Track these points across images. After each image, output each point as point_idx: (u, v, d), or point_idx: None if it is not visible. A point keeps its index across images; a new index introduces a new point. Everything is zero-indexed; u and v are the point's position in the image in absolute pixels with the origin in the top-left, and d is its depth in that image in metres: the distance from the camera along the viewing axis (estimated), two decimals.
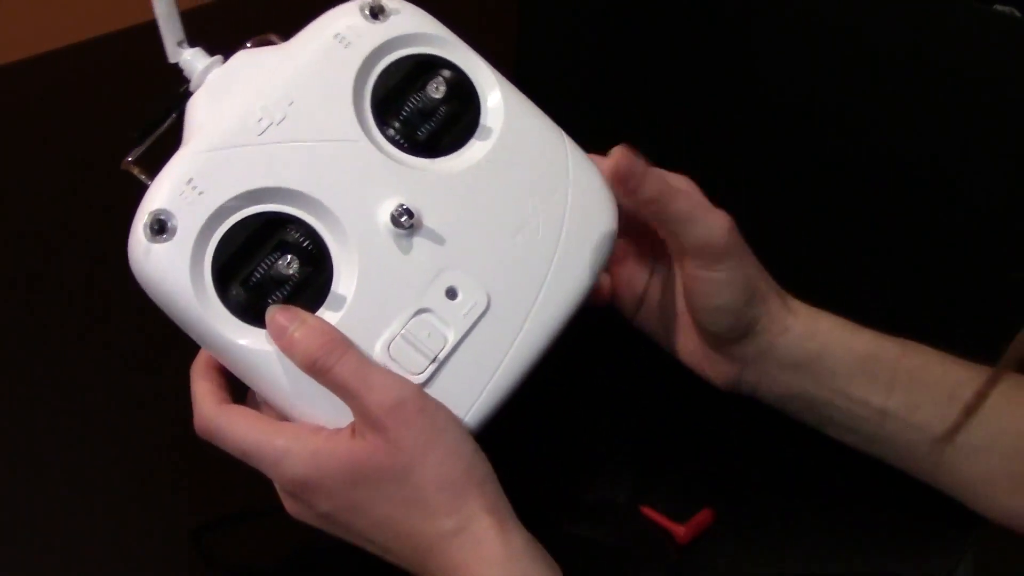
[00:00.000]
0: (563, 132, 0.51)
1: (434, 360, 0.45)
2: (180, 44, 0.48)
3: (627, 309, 0.57)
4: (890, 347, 0.52)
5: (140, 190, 0.46)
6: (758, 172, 0.66)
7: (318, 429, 0.44)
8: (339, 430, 0.44)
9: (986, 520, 0.53)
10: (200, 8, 0.73)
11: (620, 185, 0.49)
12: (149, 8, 0.48)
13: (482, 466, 0.44)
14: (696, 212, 0.49)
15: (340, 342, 0.44)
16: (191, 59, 0.48)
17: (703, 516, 0.53)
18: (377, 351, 0.45)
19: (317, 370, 0.43)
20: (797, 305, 0.53)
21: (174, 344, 0.64)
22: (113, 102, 0.85)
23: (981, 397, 0.46)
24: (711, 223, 0.49)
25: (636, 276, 0.56)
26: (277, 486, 0.46)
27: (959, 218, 0.76)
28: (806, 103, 0.89)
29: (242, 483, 0.55)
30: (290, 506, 0.46)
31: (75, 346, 0.64)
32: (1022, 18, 1.04)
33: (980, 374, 0.50)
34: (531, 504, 0.55)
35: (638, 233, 0.55)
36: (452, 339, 0.46)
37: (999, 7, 1.08)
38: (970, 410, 0.48)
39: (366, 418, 0.43)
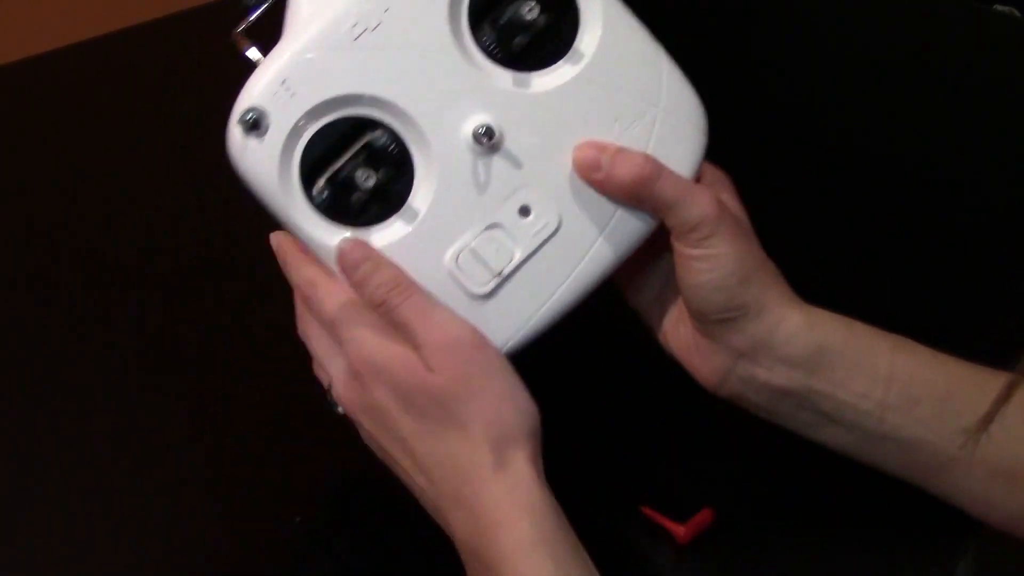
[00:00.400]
0: (663, 53, 0.51)
1: (498, 275, 0.47)
2: None
3: (628, 294, 0.56)
4: (884, 343, 0.51)
5: (244, 66, 0.47)
6: (757, 172, 0.66)
7: (389, 344, 0.46)
8: (408, 353, 0.45)
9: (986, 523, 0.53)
10: None
11: (591, 177, 0.48)
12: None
13: (531, 419, 0.45)
14: (679, 190, 0.48)
15: (406, 283, 0.46)
16: None
17: (703, 516, 0.53)
18: (446, 260, 0.47)
19: (383, 309, 0.45)
20: (795, 298, 0.51)
21: (175, 344, 0.64)
22: (113, 102, 0.85)
23: (1012, 388, 0.45)
24: (695, 201, 0.48)
25: (638, 259, 0.53)
26: (344, 364, 0.47)
27: (959, 218, 0.76)
28: (806, 103, 0.89)
29: (242, 483, 0.55)
30: (348, 393, 0.47)
31: (75, 346, 0.64)
32: (1022, 18, 1.04)
33: (971, 370, 0.50)
34: None
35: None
36: (518, 257, 0.48)
37: (999, 7, 1.08)
38: (1000, 401, 0.46)
39: (426, 354, 0.44)
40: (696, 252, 0.48)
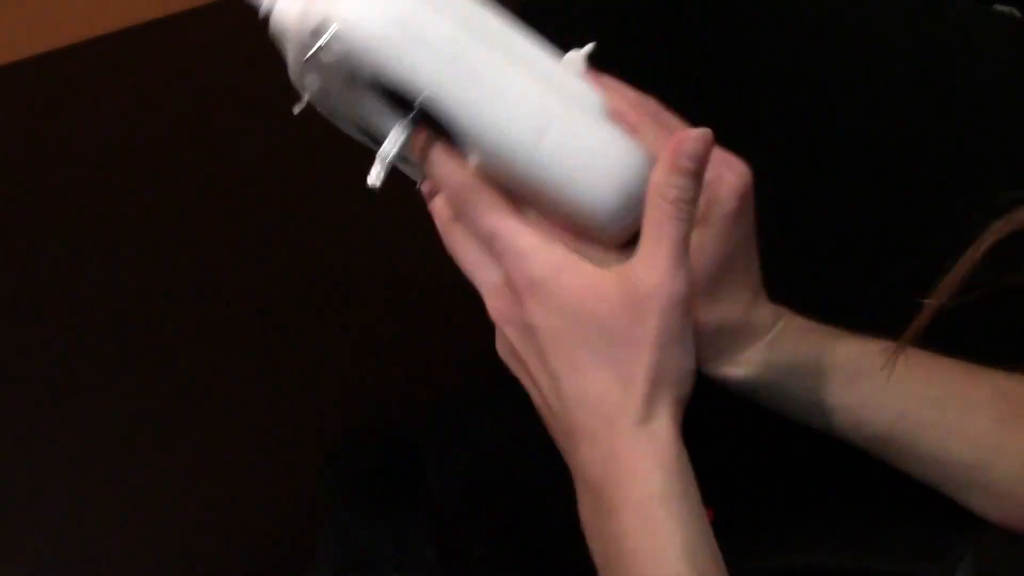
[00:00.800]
0: None
1: None
2: None
3: None
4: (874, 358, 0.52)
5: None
6: (756, 171, 0.66)
7: (570, 257, 0.44)
8: (601, 271, 0.44)
9: (984, 520, 0.53)
10: None
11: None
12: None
13: (687, 382, 0.45)
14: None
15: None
16: None
17: None
18: None
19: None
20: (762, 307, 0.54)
21: (178, 343, 0.64)
22: (113, 102, 0.85)
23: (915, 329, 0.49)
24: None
25: None
26: (498, 279, 0.45)
27: (958, 218, 0.76)
28: (805, 102, 0.89)
29: (239, 484, 0.55)
30: (499, 303, 0.45)
31: (75, 346, 0.64)
32: (1022, 18, 1.04)
33: (968, 373, 0.52)
34: (531, 504, 0.55)
35: None
36: None
37: (999, 7, 1.08)
38: (907, 339, 0.50)
39: (632, 280, 0.43)
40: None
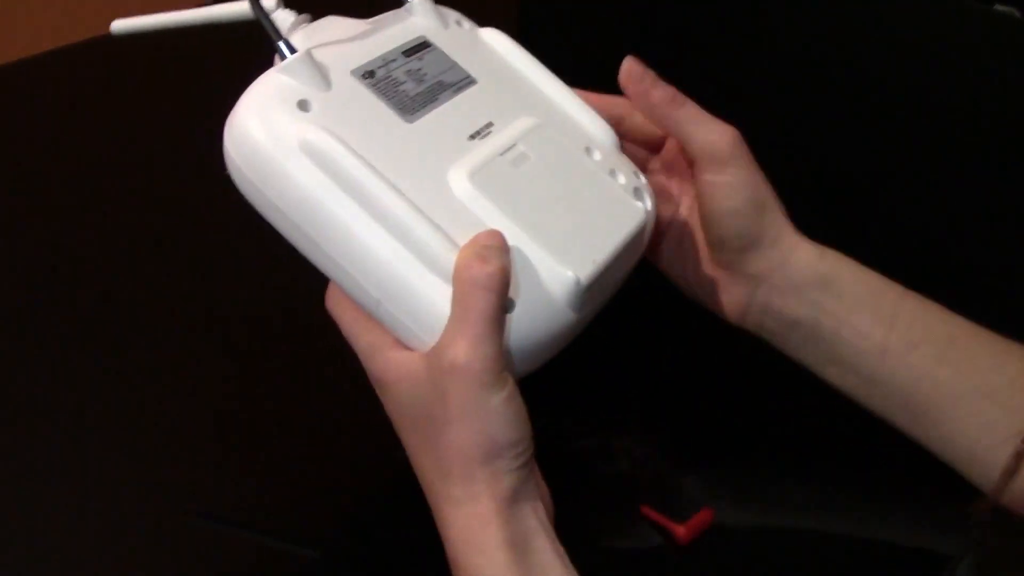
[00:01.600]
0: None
1: None
2: (278, 3, 0.50)
3: (654, 258, 0.58)
4: (894, 286, 0.53)
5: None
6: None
7: (396, 343, 0.45)
8: (411, 353, 0.44)
9: (985, 518, 0.53)
10: None
11: (632, 86, 0.53)
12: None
13: (511, 450, 0.43)
14: (702, 116, 0.53)
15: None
16: (282, 15, 0.50)
17: (703, 516, 0.53)
18: None
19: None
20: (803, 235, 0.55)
21: (173, 342, 0.64)
22: (114, 102, 0.85)
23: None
24: (716, 127, 0.53)
25: (659, 214, 0.56)
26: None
27: (958, 218, 0.76)
28: (806, 102, 0.89)
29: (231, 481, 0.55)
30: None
31: (75, 344, 0.64)
32: (1022, 18, 1.04)
33: (975, 328, 0.52)
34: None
35: (665, 170, 0.57)
36: None
37: (999, 7, 1.08)
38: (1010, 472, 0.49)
39: (435, 359, 0.43)
40: (718, 179, 0.52)
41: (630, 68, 0.54)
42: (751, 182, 0.53)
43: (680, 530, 0.52)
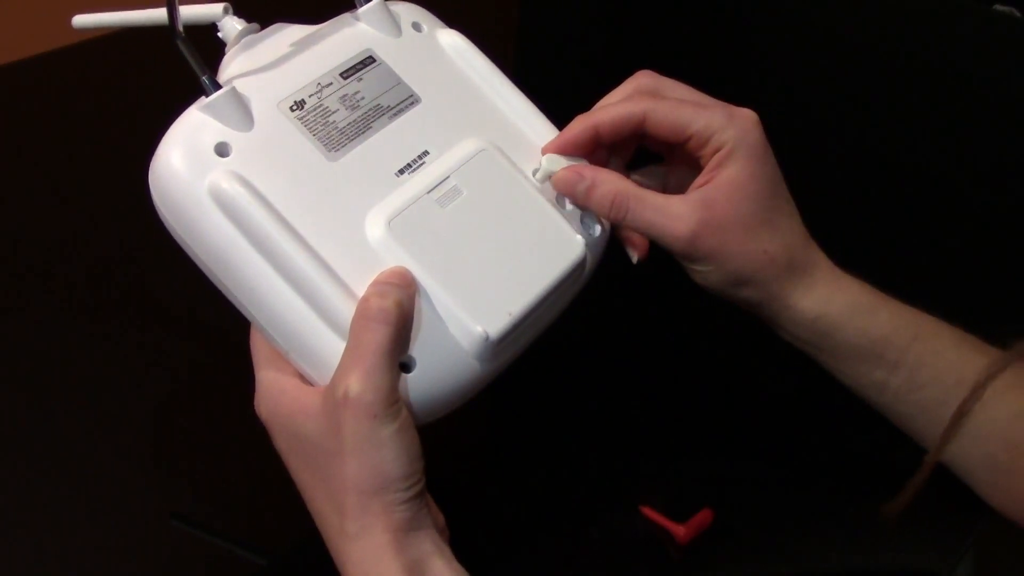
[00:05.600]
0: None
1: None
2: (226, 10, 0.49)
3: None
4: (905, 330, 0.51)
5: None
6: None
7: (291, 380, 0.45)
8: (309, 388, 0.44)
9: (984, 520, 0.53)
10: None
11: (573, 198, 0.49)
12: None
13: (403, 482, 0.42)
14: (657, 203, 0.49)
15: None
16: (230, 23, 0.49)
17: (703, 516, 0.53)
18: None
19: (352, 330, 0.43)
20: (817, 278, 0.52)
21: (168, 342, 0.64)
22: (113, 102, 0.85)
23: (982, 385, 0.48)
24: (673, 213, 0.49)
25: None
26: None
27: (959, 218, 0.76)
28: (806, 103, 0.89)
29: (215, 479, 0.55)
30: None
31: (75, 342, 0.64)
32: (1022, 18, 1.04)
33: (994, 360, 0.50)
34: (531, 505, 0.55)
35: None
36: None
37: (999, 7, 1.08)
38: (976, 394, 0.49)
39: (329, 392, 0.42)
40: (690, 266, 0.51)
41: (564, 178, 0.49)
42: (723, 267, 0.49)
43: (680, 530, 0.52)
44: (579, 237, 0.48)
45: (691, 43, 0.97)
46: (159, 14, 0.46)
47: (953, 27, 0.99)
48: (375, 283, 0.43)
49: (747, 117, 0.50)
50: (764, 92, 0.91)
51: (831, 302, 0.51)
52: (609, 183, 0.49)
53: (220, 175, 0.43)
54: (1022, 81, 0.91)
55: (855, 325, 0.51)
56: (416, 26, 0.52)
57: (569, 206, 0.50)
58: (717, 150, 0.49)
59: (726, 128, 0.49)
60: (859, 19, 1.00)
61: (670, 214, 0.49)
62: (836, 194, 0.75)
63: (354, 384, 0.41)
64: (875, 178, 0.79)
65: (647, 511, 0.54)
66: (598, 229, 0.50)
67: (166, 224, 0.44)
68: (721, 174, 0.49)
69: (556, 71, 0.91)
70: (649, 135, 0.51)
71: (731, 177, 0.49)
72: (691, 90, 0.52)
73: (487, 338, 0.44)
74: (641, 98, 0.50)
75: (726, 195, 0.49)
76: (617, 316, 0.67)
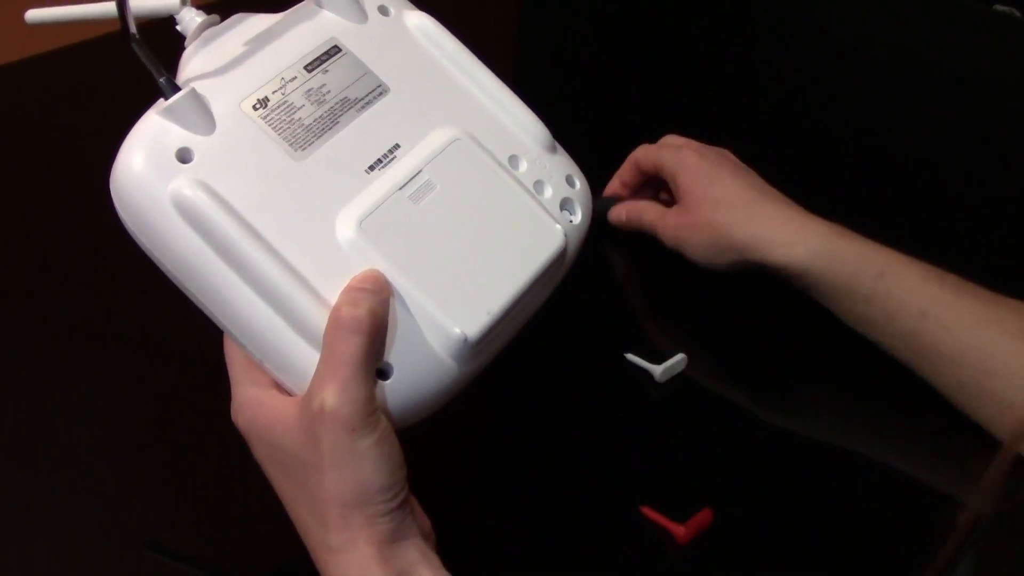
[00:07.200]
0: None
1: None
2: (183, 2, 0.47)
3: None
4: (871, 266, 0.59)
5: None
6: (757, 171, 0.66)
7: (267, 391, 0.44)
8: (285, 398, 0.44)
9: (984, 521, 0.53)
10: None
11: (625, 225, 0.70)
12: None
13: (384, 493, 0.42)
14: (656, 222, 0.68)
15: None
16: (189, 15, 0.48)
17: (703, 516, 0.53)
18: None
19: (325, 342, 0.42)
20: (776, 229, 0.62)
21: (142, 367, 0.64)
22: (112, 103, 0.85)
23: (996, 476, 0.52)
24: (663, 229, 0.68)
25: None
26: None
27: (958, 217, 0.76)
28: (806, 103, 0.89)
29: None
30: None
31: (75, 342, 0.64)
32: (1022, 18, 1.05)
33: (951, 290, 0.57)
34: (531, 505, 0.55)
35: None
36: None
37: (999, 7, 1.09)
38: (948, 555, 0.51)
39: (305, 404, 0.42)
40: (685, 249, 0.66)
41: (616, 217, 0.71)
42: (704, 245, 0.64)
43: (680, 530, 0.52)
44: (558, 226, 0.47)
45: (691, 43, 0.97)
46: (112, 7, 0.44)
47: (953, 27, 1.00)
48: (347, 290, 0.42)
49: (687, 149, 0.67)
50: (764, 92, 0.91)
51: (793, 249, 0.61)
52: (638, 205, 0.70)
53: (182, 183, 0.41)
54: (1022, 81, 0.92)
55: (825, 270, 0.60)
56: (383, 9, 0.49)
57: (548, 194, 0.48)
58: (673, 176, 0.67)
59: (672, 162, 0.67)
60: (859, 19, 1.00)
61: (664, 219, 0.68)
62: (836, 193, 0.75)
63: (330, 397, 0.40)
64: (875, 177, 0.79)
65: (647, 511, 0.54)
66: (579, 216, 0.49)
67: (130, 233, 0.43)
68: (677, 189, 0.67)
69: (556, 71, 0.92)
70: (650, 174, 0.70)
71: (683, 188, 0.66)
72: (677, 138, 0.70)
73: (465, 340, 0.42)
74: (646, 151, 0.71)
75: (684, 199, 0.66)
76: (617, 315, 0.68)
